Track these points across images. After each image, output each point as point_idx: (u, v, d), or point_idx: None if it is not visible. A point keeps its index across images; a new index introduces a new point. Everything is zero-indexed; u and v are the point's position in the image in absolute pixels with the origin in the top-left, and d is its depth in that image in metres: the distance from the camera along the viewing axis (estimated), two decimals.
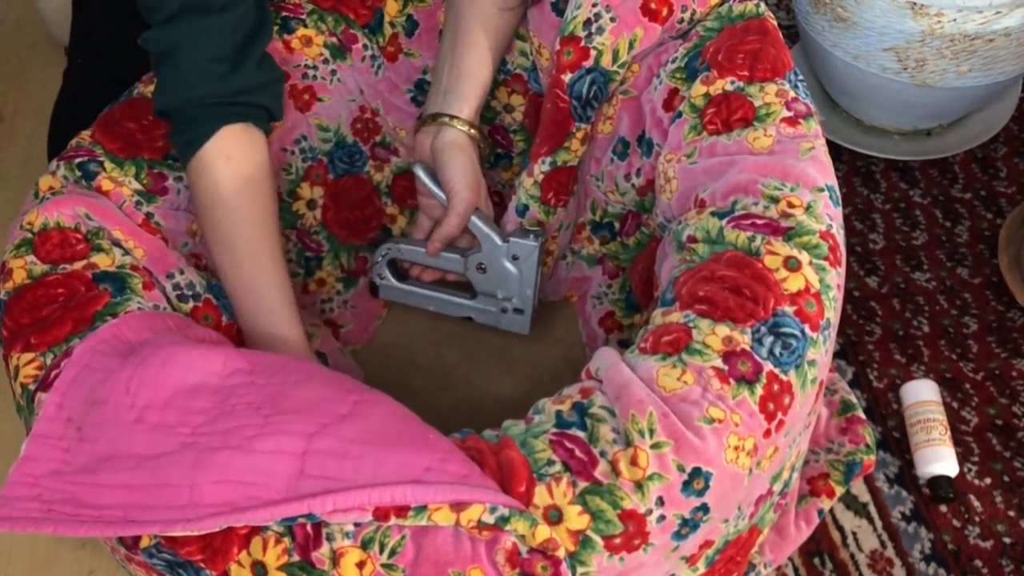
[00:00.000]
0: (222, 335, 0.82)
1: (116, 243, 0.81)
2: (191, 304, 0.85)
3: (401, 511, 0.61)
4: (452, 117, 0.90)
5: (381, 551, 0.61)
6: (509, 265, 0.94)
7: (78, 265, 0.78)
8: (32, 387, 0.72)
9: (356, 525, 0.62)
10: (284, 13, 0.97)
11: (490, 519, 0.61)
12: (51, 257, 0.79)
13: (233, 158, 0.82)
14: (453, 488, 0.61)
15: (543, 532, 0.61)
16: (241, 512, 0.61)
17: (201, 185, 0.83)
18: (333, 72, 0.99)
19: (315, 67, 0.98)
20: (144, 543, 0.64)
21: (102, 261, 0.79)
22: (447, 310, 1.00)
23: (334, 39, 0.99)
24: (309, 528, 0.62)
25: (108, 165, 0.86)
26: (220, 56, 0.81)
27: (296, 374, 0.71)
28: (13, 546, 0.97)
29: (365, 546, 0.61)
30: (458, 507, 0.61)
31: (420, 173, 0.92)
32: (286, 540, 0.62)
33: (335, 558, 0.61)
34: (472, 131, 0.91)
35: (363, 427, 0.65)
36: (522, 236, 0.94)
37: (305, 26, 0.98)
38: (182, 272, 0.85)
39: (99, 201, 0.83)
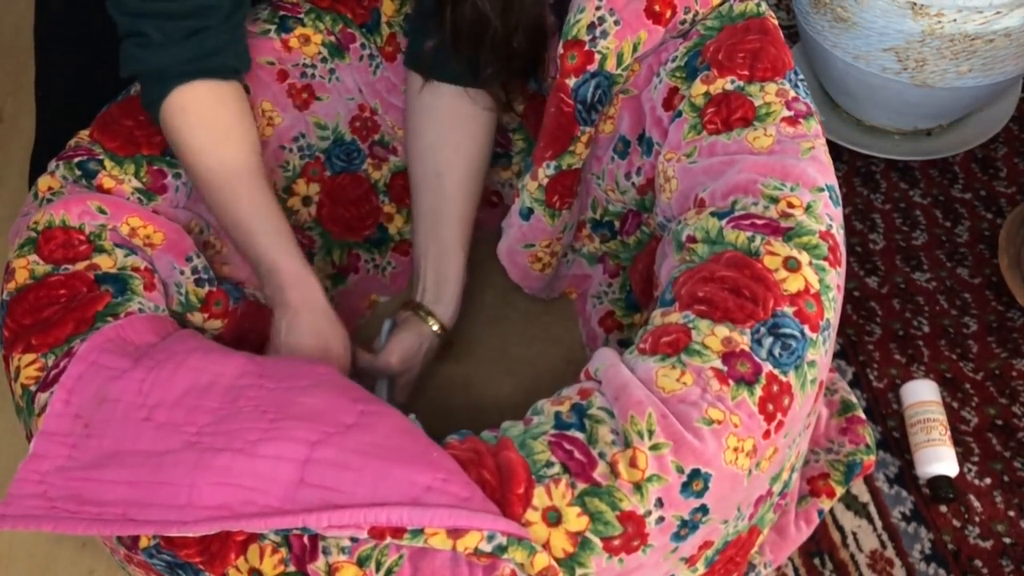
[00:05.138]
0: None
1: (118, 243, 0.81)
2: (207, 288, 0.87)
3: (397, 532, 0.60)
4: (428, 314, 0.96)
5: (377, 569, 0.60)
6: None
7: (80, 266, 0.78)
8: (33, 388, 0.72)
9: (353, 540, 0.61)
10: (282, 12, 0.97)
11: (487, 547, 0.60)
12: (54, 257, 0.79)
13: (188, 110, 0.85)
14: (451, 513, 0.60)
15: (541, 560, 0.60)
16: (236, 519, 0.61)
17: (168, 136, 0.86)
18: (331, 71, 0.99)
19: (313, 66, 0.98)
20: (144, 543, 0.64)
21: (104, 262, 0.79)
22: None
23: (332, 38, 0.99)
24: (306, 540, 0.61)
25: (108, 163, 0.86)
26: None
27: (306, 380, 0.71)
28: (13, 546, 0.97)
29: (361, 563, 0.61)
30: (455, 533, 0.60)
31: (385, 326, 0.99)
32: (283, 551, 0.61)
33: (330, 572, 0.61)
34: (440, 332, 0.97)
35: (366, 439, 0.64)
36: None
37: (303, 25, 0.97)
38: (199, 256, 0.87)
39: (107, 195, 0.84)
